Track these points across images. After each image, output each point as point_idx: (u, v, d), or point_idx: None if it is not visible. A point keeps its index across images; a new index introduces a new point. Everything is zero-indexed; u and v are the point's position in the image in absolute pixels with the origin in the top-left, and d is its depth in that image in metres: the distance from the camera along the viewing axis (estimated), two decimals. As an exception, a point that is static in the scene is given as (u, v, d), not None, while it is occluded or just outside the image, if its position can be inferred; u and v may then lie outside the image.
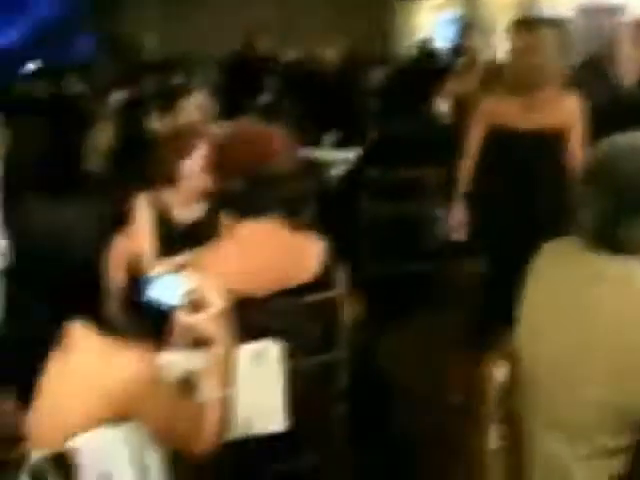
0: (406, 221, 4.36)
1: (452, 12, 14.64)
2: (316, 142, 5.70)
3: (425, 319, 4.65)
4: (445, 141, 5.27)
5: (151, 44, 13.82)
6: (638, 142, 1.92)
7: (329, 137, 5.75)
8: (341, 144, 5.79)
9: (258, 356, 2.15)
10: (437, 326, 4.58)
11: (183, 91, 4.79)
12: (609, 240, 1.85)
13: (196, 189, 3.09)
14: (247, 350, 1.97)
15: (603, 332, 1.78)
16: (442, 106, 6.16)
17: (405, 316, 4.68)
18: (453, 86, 6.29)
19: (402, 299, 4.74)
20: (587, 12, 11.04)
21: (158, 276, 1.77)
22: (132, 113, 4.23)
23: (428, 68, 7.53)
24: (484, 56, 11.01)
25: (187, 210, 3.17)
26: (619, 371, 1.75)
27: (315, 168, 4.35)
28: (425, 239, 4.51)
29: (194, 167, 3.06)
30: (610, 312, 1.79)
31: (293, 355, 2.28)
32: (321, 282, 2.39)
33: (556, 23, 11.31)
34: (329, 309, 2.41)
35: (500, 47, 12.03)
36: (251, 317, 2.10)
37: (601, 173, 1.90)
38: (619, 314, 1.78)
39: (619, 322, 1.77)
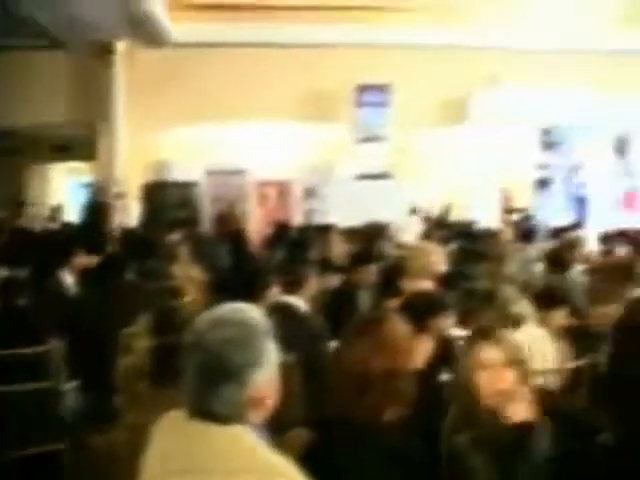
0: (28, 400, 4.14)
1: (86, 176, 14.78)
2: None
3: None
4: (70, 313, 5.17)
5: None
6: (224, 315, 2.01)
7: None
8: None
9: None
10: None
11: None
12: (203, 411, 1.91)
13: None
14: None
15: None
16: (68, 279, 6.13)
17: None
18: (81, 260, 6.44)
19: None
20: (214, 175, 11.69)
21: None
22: None
23: (57, 237, 7.41)
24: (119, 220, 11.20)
25: None
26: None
27: None
28: (52, 416, 4.31)
29: None
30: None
31: None
32: None
33: (185, 186, 11.87)
34: None
35: (133, 209, 12.31)
36: None
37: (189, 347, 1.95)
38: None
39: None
